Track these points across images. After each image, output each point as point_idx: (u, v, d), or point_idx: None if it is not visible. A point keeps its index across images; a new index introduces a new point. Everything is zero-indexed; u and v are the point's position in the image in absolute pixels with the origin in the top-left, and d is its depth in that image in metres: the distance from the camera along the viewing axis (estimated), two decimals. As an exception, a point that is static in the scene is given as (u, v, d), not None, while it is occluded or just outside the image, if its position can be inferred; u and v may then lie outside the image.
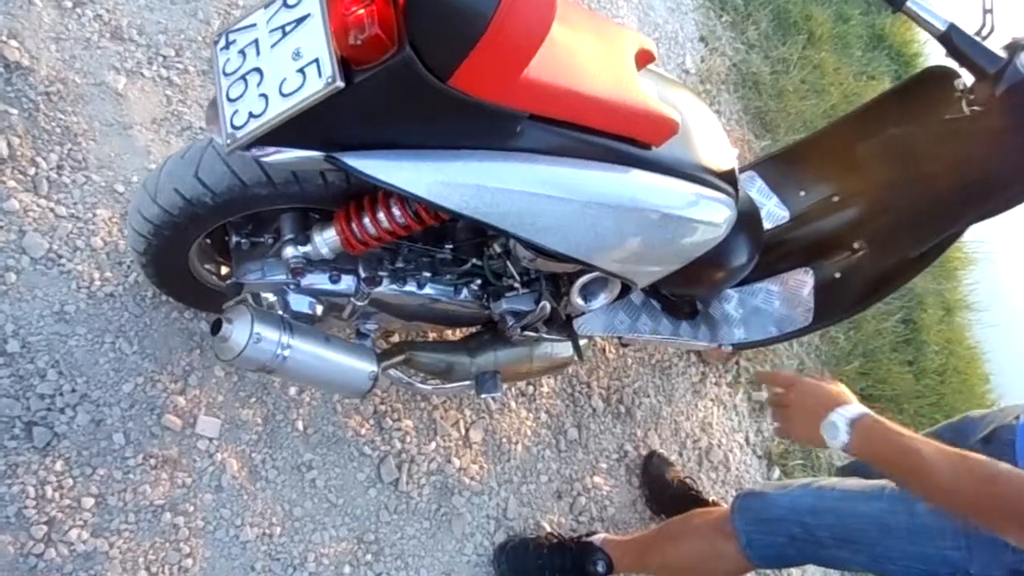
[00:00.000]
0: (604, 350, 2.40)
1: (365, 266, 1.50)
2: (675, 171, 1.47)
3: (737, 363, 2.69)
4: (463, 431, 1.99)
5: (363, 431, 1.85)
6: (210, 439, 1.67)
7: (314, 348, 1.38)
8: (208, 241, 1.53)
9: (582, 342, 1.86)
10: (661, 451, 2.34)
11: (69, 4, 1.83)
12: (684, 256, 1.61)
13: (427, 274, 1.57)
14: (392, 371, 1.63)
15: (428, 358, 1.65)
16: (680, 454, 2.42)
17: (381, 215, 1.36)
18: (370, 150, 1.20)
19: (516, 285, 1.60)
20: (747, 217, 1.78)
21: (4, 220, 1.62)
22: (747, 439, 2.63)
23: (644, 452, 2.32)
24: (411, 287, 1.56)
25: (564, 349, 1.83)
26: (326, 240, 1.40)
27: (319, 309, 1.53)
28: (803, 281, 2.14)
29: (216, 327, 1.28)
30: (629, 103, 1.33)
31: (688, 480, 2.26)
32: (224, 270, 1.63)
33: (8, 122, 1.68)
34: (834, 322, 2.20)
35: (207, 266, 1.59)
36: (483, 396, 1.65)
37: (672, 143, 1.45)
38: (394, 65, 1.09)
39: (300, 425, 1.78)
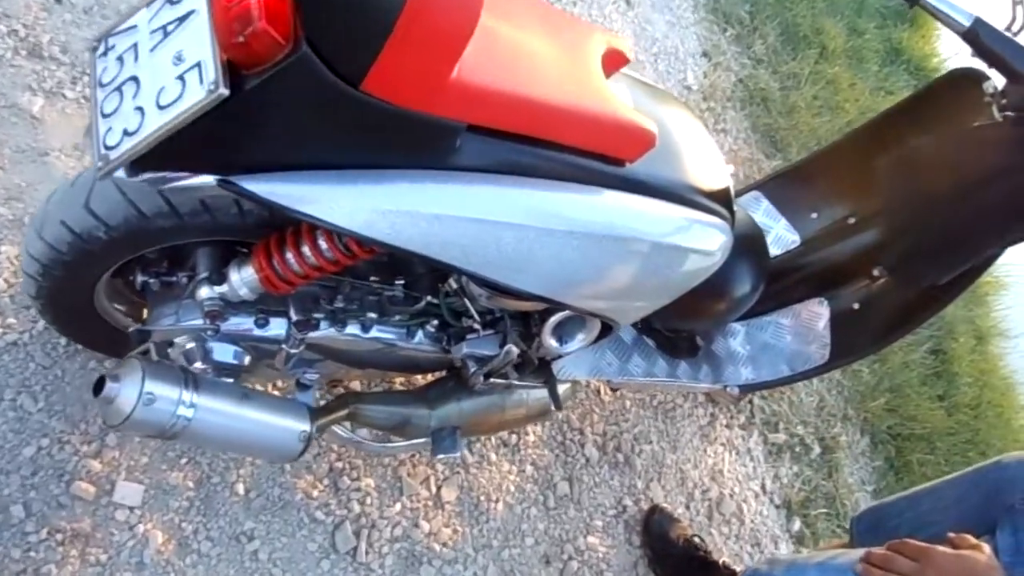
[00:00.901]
0: (599, 391, 2.17)
1: (297, 307, 1.29)
2: (655, 191, 1.25)
3: (750, 402, 2.46)
4: (434, 489, 1.77)
5: (315, 493, 1.63)
6: (131, 508, 1.45)
7: (227, 407, 1.17)
8: (122, 280, 1.33)
9: (563, 388, 1.64)
10: (665, 505, 2.09)
11: (-20, 20, 1.66)
12: (672, 290, 1.39)
13: (373, 315, 1.35)
14: (338, 428, 1.42)
15: (378, 412, 1.42)
16: (687, 507, 2.18)
17: (305, 249, 1.15)
18: (277, 172, 1.00)
19: (476, 326, 1.39)
20: (748, 241, 1.56)
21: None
22: (763, 487, 2.38)
23: (646, 507, 2.08)
24: (354, 330, 1.35)
25: (542, 396, 1.60)
26: (244, 279, 1.19)
27: (247, 359, 1.32)
28: (818, 313, 1.92)
29: (98, 387, 1.07)
30: (594, 111, 1.12)
31: (695, 538, 2.01)
32: (146, 312, 1.43)
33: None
34: (854, 359, 1.97)
35: (119, 308, 1.38)
36: (439, 457, 1.42)
37: (651, 159, 1.23)
38: (289, 67, 0.89)
39: (240, 488, 1.57)
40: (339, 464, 1.67)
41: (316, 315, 1.31)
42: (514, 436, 1.94)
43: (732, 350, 1.91)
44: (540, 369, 1.56)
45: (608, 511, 2.02)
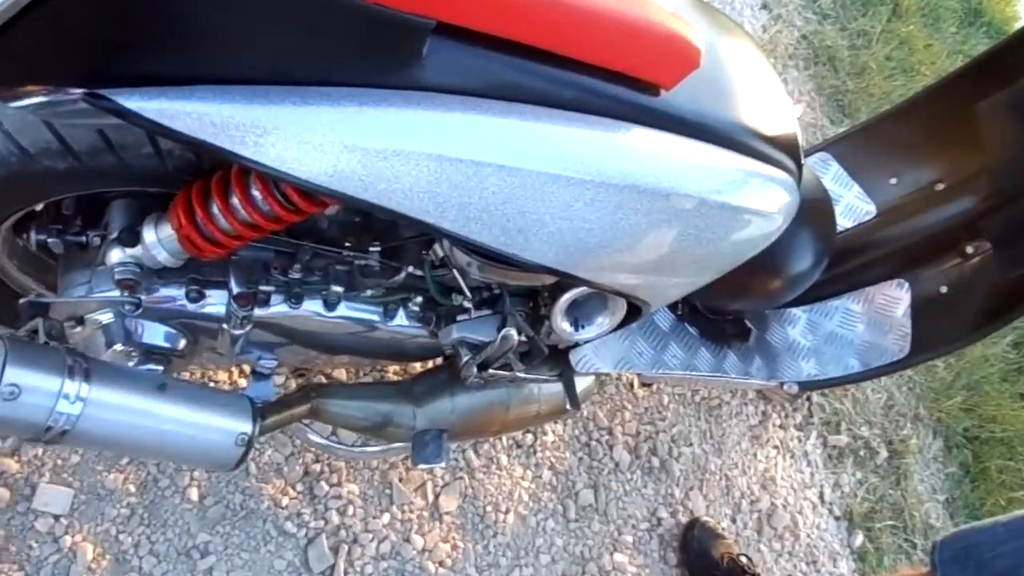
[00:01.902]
0: (632, 384, 1.88)
1: (239, 277, 1.02)
2: (700, 131, 0.95)
3: (808, 399, 2.17)
4: (431, 497, 1.50)
5: (286, 501, 1.37)
6: (56, 516, 1.21)
7: (133, 401, 0.90)
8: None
9: (585, 382, 1.35)
10: (707, 518, 1.81)
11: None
12: (718, 263, 1.09)
13: (339, 289, 1.08)
14: (303, 427, 1.15)
15: (348, 408, 1.15)
16: (733, 520, 1.90)
17: (234, 200, 0.89)
18: (174, 85, 0.73)
19: (467, 305, 1.10)
20: (813, 205, 1.26)
21: None
22: (821, 496, 2.09)
23: (684, 519, 1.80)
24: (315, 307, 1.08)
25: (558, 390, 1.32)
26: (162, 239, 0.93)
27: (182, 341, 1.06)
28: (896, 298, 1.61)
29: (-59, 375, 0.81)
30: (618, 14, 0.82)
31: (742, 557, 1.72)
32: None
33: None
34: (940, 354, 1.65)
35: (28, 272, 1.12)
36: (420, 467, 1.14)
37: (696, 88, 0.94)
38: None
39: (194, 494, 1.32)
40: (316, 467, 1.41)
41: (265, 288, 1.04)
42: (529, 435, 1.66)
43: (791, 340, 1.60)
44: (554, 359, 1.28)
45: (640, 524, 1.74)
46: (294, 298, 1.05)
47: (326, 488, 1.41)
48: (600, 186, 0.88)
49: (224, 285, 1.02)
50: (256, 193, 0.88)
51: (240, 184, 0.88)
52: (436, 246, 1.08)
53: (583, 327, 1.16)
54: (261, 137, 0.74)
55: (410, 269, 1.10)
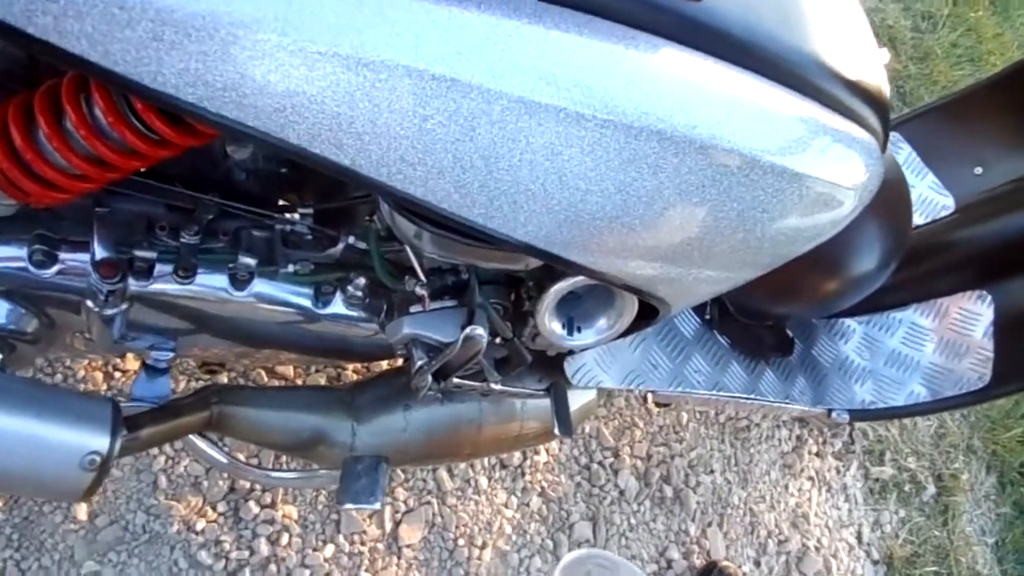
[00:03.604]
0: (646, 397, 1.61)
1: (105, 236, 0.74)
2: (756, 59, 0.66)
3: (850, 423, 1.88)
4: (389, 526, 1.23)
5: (203, 524, 1.11)
6: None
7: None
8: None
9: (583, 398, 1.07)
10: (726, 562, 1.59)
11: None
12: (768, 254, 0.80)
13: (250, 260, 0.80)
14: (197, 440, 0.87)
15: (265, 419, 0.87)
16: (757, 563, 1.67)
17: (68, 123, 0.61)
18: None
19: (420, 291, 0.82)
20: (889, 187, 0.96)
21: None
22: (859, 536, 1.87)
23: (700, 562, 1.59)
24: (215, 282, 0.80)
25: (546, 406, 1.03)
26: (-25, 177, 0.66)
27: (32, 323, 0.79)
28: (976, 313, 1.35)
29: None
30: None
31: (765, 612, 1.45)
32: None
33: None
34: (1030, 386, 1.34)
35: None
36: (347, 507, 0.86)
37: (750, 2, 0.65)
38: None
39: (82, 511, 1.05)
40: (245, 483, 1.14)
41: (143, 253, 0.76)
42: (516, 453, 1.39)
43: (843, 358, 1.32)
44: (544, 367, 1.00)
45: (647, 566, 1.54)
46: (184, 269, 0.77)
47: (255, 510, 1.14)
48: (605, 125, 0.59)
49: (85, 246, 0.75)
50: (99, 113, 0.60)
51: (73, 99, 0.60)
52: (383, 208, 0.79)
53: (579, 330, 0.87)
54: (70, 18, 0.47)
55: (351, 240, 0.82)
